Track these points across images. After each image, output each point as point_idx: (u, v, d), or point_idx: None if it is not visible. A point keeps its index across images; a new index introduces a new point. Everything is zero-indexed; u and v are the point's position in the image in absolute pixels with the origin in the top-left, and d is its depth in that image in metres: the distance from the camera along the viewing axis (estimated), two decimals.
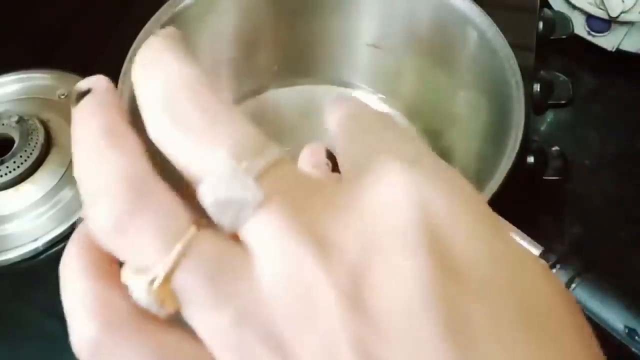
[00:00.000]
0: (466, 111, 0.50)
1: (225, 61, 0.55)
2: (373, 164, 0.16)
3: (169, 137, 0.16)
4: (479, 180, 0.42)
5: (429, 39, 0.51)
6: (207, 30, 0.51)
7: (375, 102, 0.57)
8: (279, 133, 0.56)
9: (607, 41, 0.71)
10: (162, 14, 0.47)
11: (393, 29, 0.53)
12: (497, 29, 0.45)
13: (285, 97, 0.58)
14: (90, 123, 0.16)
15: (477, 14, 0.46)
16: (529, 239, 0.37)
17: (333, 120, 0.20)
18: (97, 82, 0.17)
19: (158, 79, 0.16)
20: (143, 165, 0.16)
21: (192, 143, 0.15)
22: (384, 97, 0.57)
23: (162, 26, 0.47)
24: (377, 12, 0.53)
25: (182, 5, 0.48)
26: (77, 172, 0.16)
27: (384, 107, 0.57)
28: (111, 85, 0.17)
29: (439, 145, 0.54)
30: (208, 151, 0.15)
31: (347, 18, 0.54)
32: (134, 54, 0.44)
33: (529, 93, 0.61)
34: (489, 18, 0.46)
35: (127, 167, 0.15)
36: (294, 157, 0.54)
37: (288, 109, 0.58)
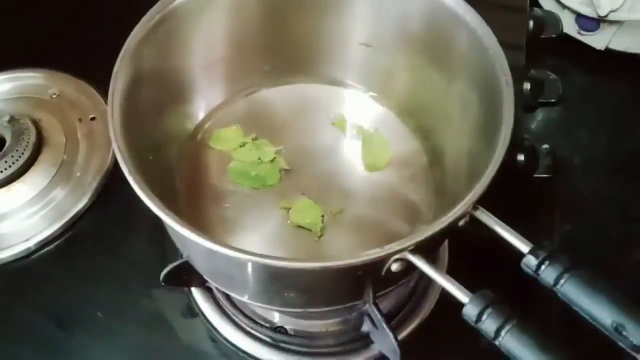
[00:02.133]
0: (457, 109, 0.50)
1: (217, 60, 0.55)
2: None
3: None
4: (470, 177, 0.42)
5: (420, 38, 0.51)
6: (198, 30, 0.51)
7: (367, 100, 0.58)
8: (271, 132, 0.56)
9: (597, 40, 0.71)
10: (154, 13, 0.47)
11: (384, 28, 0.54)
12: (488, 27, 0.45)
13: (277, 96, 0.58)
14: None
15: (468, 13, 0.46)
16: (518, 235, 0.37)
17: None
18: None
19: None
20: None
21: None
22: (376, 95, 0.58)
23: (154, 25, 0.47)
24: (369, 11, 0.53)
25: (173, 5, 0.48)
26: None
27: (375, 106, 0.57)
28: None
29: (431, 143, 0.54)
30: None
31: (338, 17, 0.54)
32: (126, 53, 0.44)
33: (519, 91, 0.61)
34: (480, 17, 0.46)
35: None
36: (286, 156, 0.55)
37: (280, 107, 0.58)
